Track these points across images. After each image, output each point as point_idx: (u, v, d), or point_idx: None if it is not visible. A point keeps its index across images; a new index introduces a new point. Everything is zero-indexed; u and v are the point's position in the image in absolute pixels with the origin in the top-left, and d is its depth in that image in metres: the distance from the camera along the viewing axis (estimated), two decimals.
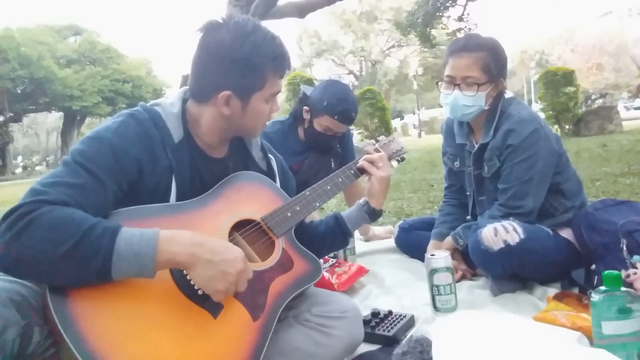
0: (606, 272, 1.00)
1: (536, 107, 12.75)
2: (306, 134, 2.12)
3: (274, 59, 1.10)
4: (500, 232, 1.47)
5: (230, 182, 1.19)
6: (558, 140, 1.69)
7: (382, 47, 35.52)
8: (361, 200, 1.37)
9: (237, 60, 1.07)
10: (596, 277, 1.53)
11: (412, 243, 2.06)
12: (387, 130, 11.42)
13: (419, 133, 21.87)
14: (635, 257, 1.46)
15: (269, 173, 1.31)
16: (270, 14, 9.59)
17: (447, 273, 1.38)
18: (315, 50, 35.61)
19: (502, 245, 1.46)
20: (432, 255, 1.41)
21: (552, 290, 1.53)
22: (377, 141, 1.57)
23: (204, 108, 1.13)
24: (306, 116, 2.10)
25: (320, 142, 2.09)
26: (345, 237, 1.38)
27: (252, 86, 1.10)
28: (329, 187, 1.33)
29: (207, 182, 1.16)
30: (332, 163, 2.16)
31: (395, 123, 28.84)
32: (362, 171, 1.39)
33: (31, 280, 0.89)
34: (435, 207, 3.25)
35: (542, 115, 10.76)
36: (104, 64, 24.36)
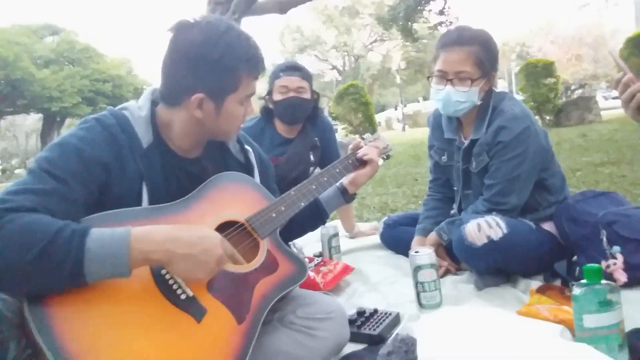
0: (586, 265, 1.01)
1: (517, 98, 12.87)
2: (276, 111, 2.12)
3: (248, 60, 1.08)
4: (483, 228, 1.48)
5: (213, 184, 1.17)
6: (546, 137, 1.69)
7: (364, 41, 35.51)
8: (337, 184, 1.40)
9: (210, 61, 1.04)
10: (578, 269, 1.56)
11: (397, 239, 2.06)
12: (371, 124, 11.44)
13: (403, 127, 21.98)
14: (615, 248, 1.49)
15: (247, 164, 1.31)
16: (251, 10, 9.52)
17: (432, 270, 1.39)
18: (298, 45, 35.46)
19: (485, 240, 1.47)
20: (417, 252, 1.42)
21: (535, 283, 1.55)
22: (362, 139, 1.57)
23: (176, 112, 1.10)
24: (269, 100, 2.13)
25: (292, 106, 2.07)
26: (323, 217, 1.43)
27: (225, 88, 1.08)
28: (314, 187, 1.33)
29: (185, 184, 1.14)
30: (312, 156, 2.15)
31: (389, 114, 28.92)
32: (360, 162, 1.41)
33: (5, 291, 0.86)
34: (420, 202, 3.26)
35: None
36: (83, 63, 23.86)
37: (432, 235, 1.79)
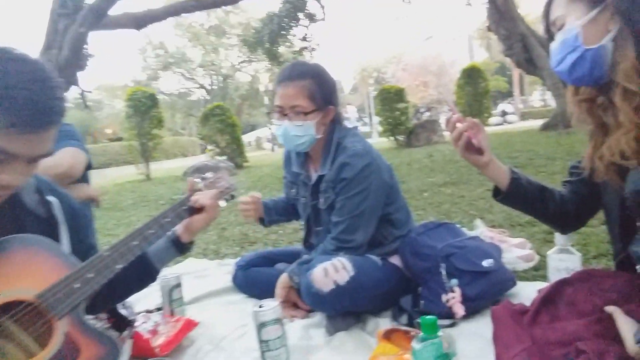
0: (423, 317, 0.98)
1: (376, 120, 13.86)
2: None
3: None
4: (329, 273, 1.42)
5: None
6: (390, 171, 1.72)
7: (232, 61, 35.38)
8: (169, 233, 1.22)
9: None
10: (422, 302, 1.59)
11: (250, 281, 1.93)
12: (239, 146, 11.24)
13: (272, 147, 22.24)
14: (453, 281, 1.53)
15: (50, 220, 1.06)
16: (102, 24, 8.77)
17: (277, 325, 1.26)
18: (162, 62, 33.93)
19: (332, 286, 1.41)
20: (260, 307, 1.29)
21: (384, 322, 1.53)
22: (203, 179, 1.41)
23: None
24: None
25: None
26: (152, 274, 1.24)
27: None
28: (135, 243, 1.12)
29: None
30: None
31: (260, 133, 28.81)
32: (193, 210, 1.23)
33: None
34: (281, 232, 3.19)
35: (380, 128, 11.74)
36: None
37: (284, 278, 1.69)
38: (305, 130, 1.61)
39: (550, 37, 1.07)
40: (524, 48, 9.58)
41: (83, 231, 1.19)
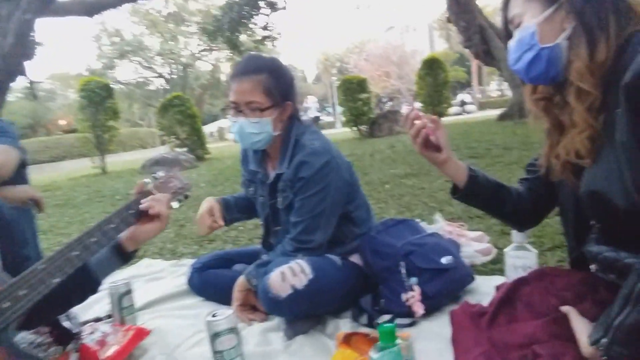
0: (381, 326, 0.95)
1: (340, 110, 13.89)
2: None
3: None
4: (287, 277, 1.37)
5: None
6: (350, 169, 1.68)
7: (192, 50, 34.51)
8: (112, 242, 1.14)
9: None
10: (382, 301, 1.57)
11: (207, 284, 1.85)
12: (199, 138, 10.97)
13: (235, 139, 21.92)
14: (412, 280, 1.52)
15: None
16: (50, 10, 8.32)
17: (231, 335, 1.21)
18: (118, 50, 32.68)
19: (290, 291, 1.36)
20: (214, 316, 1.22)
21: (344, 322, 1.50)
22: (155, 179, 1.33)
23: None
24: None
25: None
26: (93, 286, 1.16)
27: None
28: (75, 254, 1.03)
29: None
30: None
31: (222, 123, 28.29)
32: (141, 214, 1.16)
33: None
34: (242, 228, 3.12)
35: (343, 118, 11.75)
36: None
37: (241, 280, 1.63)
38: (261, 127, 1.55)
39: (509, 34, 1.05)
40: (482, 40, 9.78)
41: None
